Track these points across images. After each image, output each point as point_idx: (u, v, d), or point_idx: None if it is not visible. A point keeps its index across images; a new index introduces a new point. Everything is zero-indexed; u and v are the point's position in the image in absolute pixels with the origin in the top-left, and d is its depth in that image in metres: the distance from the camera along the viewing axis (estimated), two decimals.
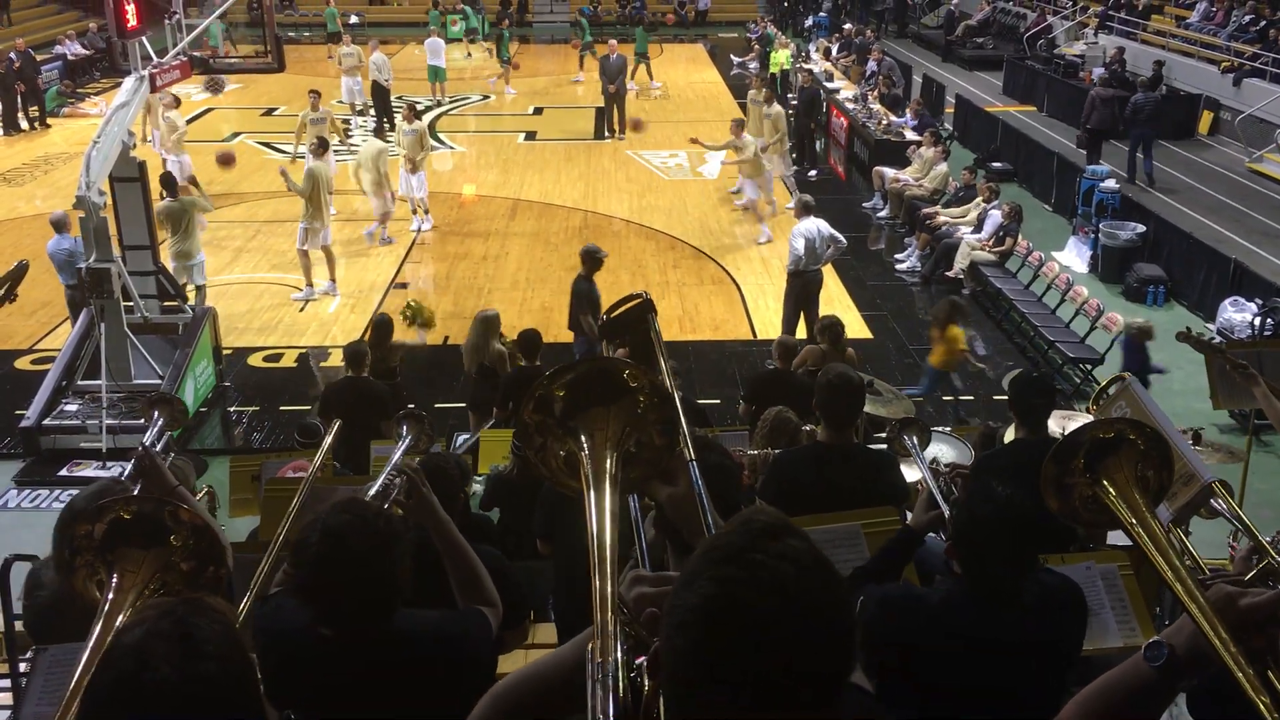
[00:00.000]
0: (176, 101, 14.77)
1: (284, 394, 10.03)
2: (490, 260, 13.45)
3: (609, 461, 1.49)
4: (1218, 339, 9.13)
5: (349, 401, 7.08)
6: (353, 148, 17.67)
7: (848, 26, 26.51)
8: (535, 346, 7.79)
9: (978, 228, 12.62)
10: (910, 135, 16.16)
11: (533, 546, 5.00)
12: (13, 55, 19.70)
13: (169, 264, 10.65)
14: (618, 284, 11.28)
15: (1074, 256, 13.14)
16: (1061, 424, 5.18)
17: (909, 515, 3.68)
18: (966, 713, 2.68)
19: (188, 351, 9.33)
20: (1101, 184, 13.03)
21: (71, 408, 9.03)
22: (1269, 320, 9.99)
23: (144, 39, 9.87)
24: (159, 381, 8.87)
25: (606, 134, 19.56)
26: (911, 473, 4.39)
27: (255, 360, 10.69)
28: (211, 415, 9.68)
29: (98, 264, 8.83)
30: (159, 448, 3.62)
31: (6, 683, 3.52)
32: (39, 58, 21.25)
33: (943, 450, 5.37)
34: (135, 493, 2.88)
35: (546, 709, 1.51)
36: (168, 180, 10.98)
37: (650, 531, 1.92)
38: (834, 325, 7.84)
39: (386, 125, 18.75)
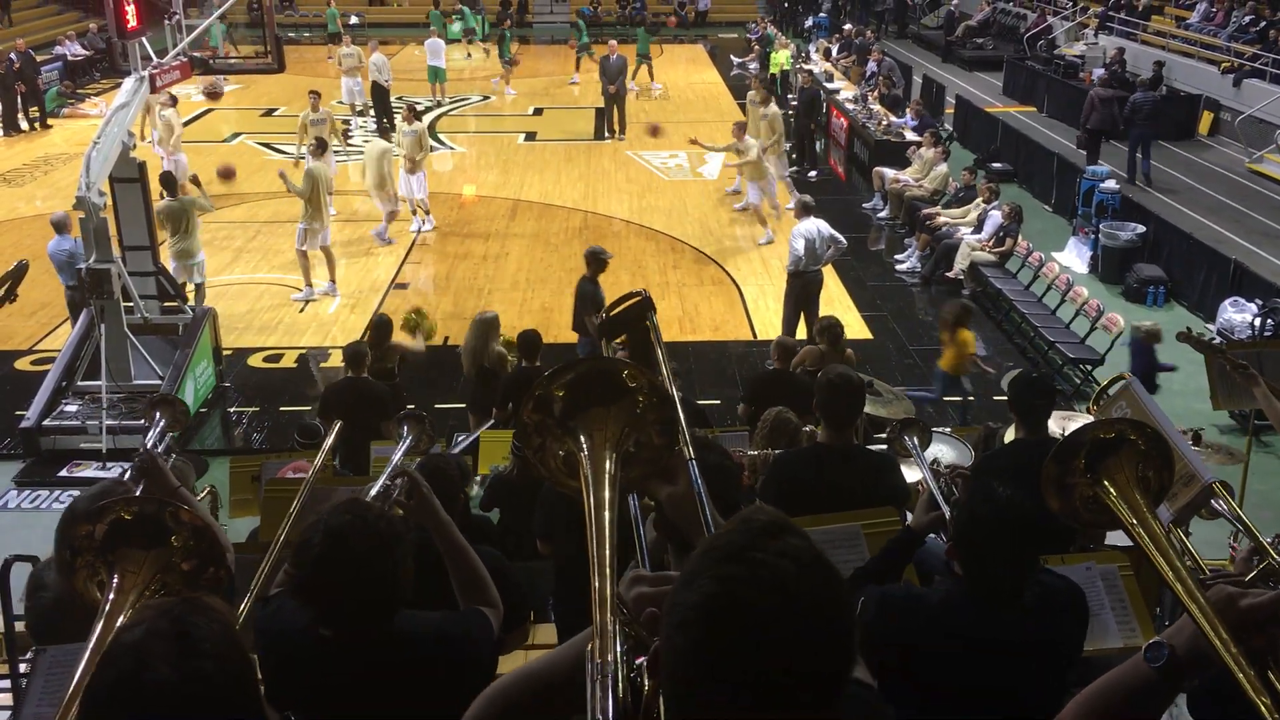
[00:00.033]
0: (173, 100, 14.78)
1: (284, 394, 10.03)
2: (490, 261, 13.45)
3: (608, 461, 1.49)
4: (1218, 339, 9.12)
5: (349, 402, 7.08)
6: (353, 148, 17.71)
7: (848, 27, 26.50)
8: (535, 347, 7.78)
9: (978, 228, 12.62)
10: (910, 136, 16.15)
11: (533, 547, 5.00)
12: (13, 56, 19.69)
13: (169, 263, 10.66)
14: (618, 285, 11.22)
15: (1074, 257, 13.13)
16: (1062, 424, 5.18)
17: (909, 516, 3.68)
18: (967, 713, 2.68)
19: (188, 352, 9.33)
20: (1101, 184, 13.02)
21: (71, 408, 9.04)
22: (1269, 321, 9.99)
23: (144, 39, 9.87)
24: (159, 382, 8.87)
25: (606, 134, 19.56)
26: (912, 473, 4.39)
27: (255, 361, 10.69)
28: (211, 416, 9.68)
29: (98, 265, 8.84)
30: (161, 449, 3.63)
31: (6, 683, 3.51)
32: (39, 58, 21.24)
33: (943, 451, 5.38)
34: (137, 494, 2.88)
35: (541, 709, 1.50)
36: (168, 180, 10.97)
37: (650, 531, 1.92)
38: (833, 326, 7.83)
39: (386, 125, 18.75)
